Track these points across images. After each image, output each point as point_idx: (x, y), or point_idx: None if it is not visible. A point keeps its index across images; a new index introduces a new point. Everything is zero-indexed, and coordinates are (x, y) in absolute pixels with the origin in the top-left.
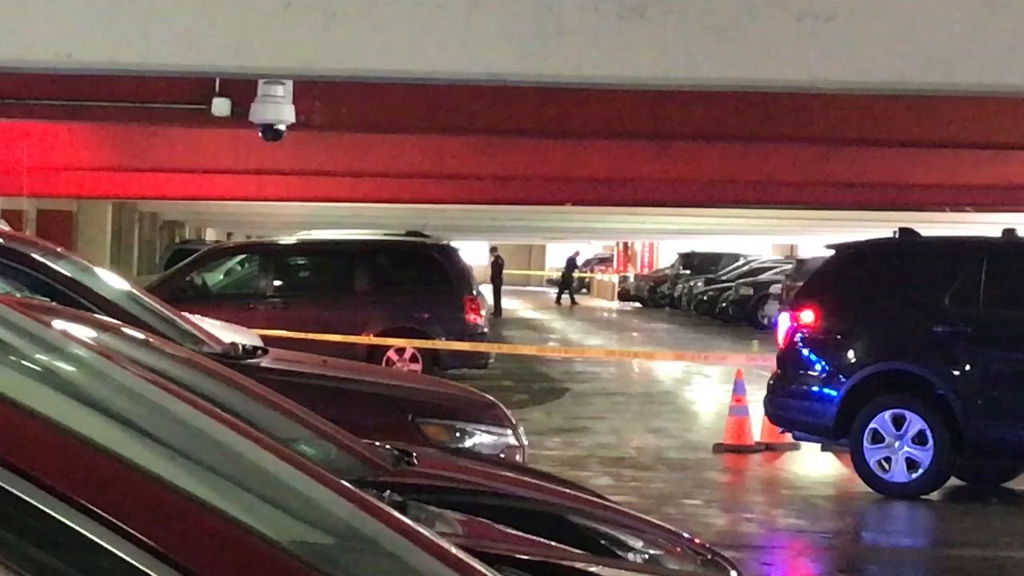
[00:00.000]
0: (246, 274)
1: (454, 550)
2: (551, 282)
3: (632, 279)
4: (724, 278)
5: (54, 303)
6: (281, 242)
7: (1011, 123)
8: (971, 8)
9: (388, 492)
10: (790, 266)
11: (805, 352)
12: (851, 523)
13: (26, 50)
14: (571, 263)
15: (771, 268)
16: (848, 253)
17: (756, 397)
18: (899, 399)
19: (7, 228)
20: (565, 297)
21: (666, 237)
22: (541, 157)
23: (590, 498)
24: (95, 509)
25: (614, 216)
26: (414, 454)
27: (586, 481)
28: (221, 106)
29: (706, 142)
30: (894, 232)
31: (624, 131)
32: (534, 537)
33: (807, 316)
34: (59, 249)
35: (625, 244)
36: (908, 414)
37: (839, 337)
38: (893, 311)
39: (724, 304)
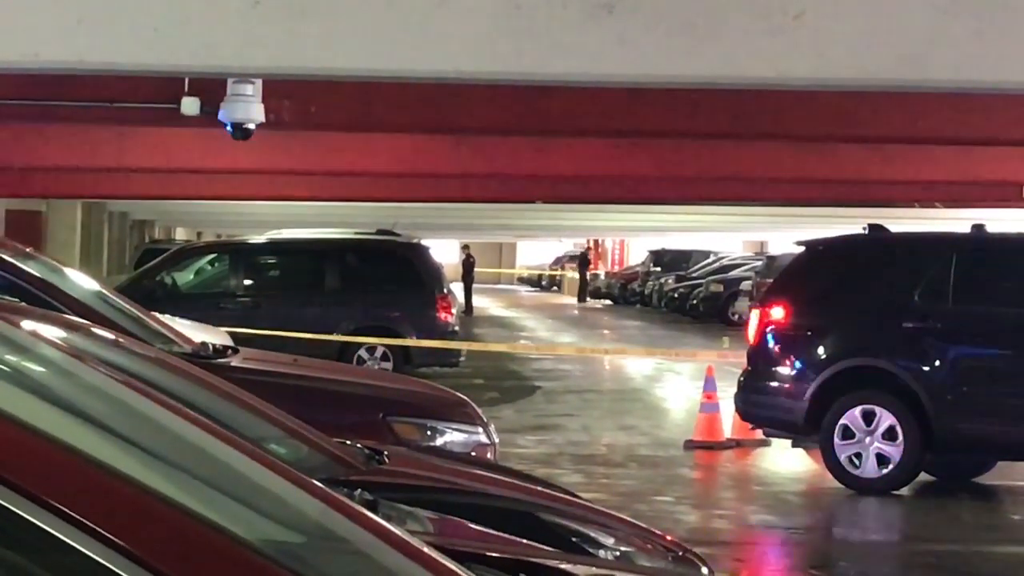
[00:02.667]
0: (216, 274)
1: (425, 548)
2: (522, 280)
3: (603, 276)
4: (695, 275)
5: (23, 303)
6: (251, 241)
7: (979, 118)
8: (938, 4)
9: (359, 491)
10: (760, 263)
11: (775, 348)
12: (822, 519)
13: None
14: (584, 259)
15: (741, 265)
16: (818, 249)
17: (727, 394)
18: (869, 395)
19: None
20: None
21: (637, 234)
22: (511, 155)
23: (561, 495)
24: (63, 508)
25: (585, 213)
26: (385, 453)
27: (557, 478)
28: (190, 105)
29: (676, 139)
30: (863, 228)
31: (594, 128)
32: (506, 535)
33: (777, 312)
34: (28, 249)
35: (596, 241)
36: (878, 410)
37: (809, 333)
38: (863, 307)
39: (695, 301)
